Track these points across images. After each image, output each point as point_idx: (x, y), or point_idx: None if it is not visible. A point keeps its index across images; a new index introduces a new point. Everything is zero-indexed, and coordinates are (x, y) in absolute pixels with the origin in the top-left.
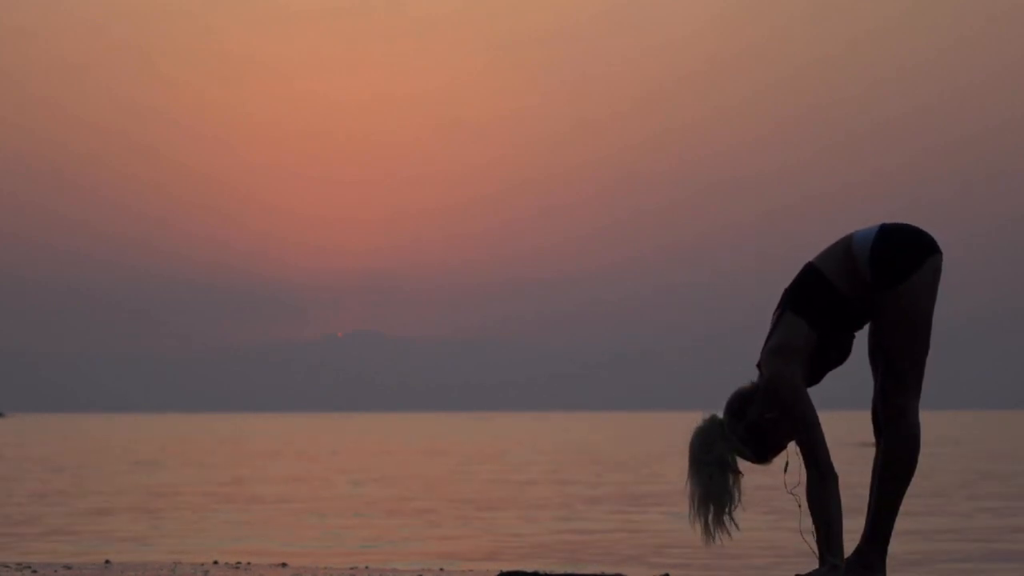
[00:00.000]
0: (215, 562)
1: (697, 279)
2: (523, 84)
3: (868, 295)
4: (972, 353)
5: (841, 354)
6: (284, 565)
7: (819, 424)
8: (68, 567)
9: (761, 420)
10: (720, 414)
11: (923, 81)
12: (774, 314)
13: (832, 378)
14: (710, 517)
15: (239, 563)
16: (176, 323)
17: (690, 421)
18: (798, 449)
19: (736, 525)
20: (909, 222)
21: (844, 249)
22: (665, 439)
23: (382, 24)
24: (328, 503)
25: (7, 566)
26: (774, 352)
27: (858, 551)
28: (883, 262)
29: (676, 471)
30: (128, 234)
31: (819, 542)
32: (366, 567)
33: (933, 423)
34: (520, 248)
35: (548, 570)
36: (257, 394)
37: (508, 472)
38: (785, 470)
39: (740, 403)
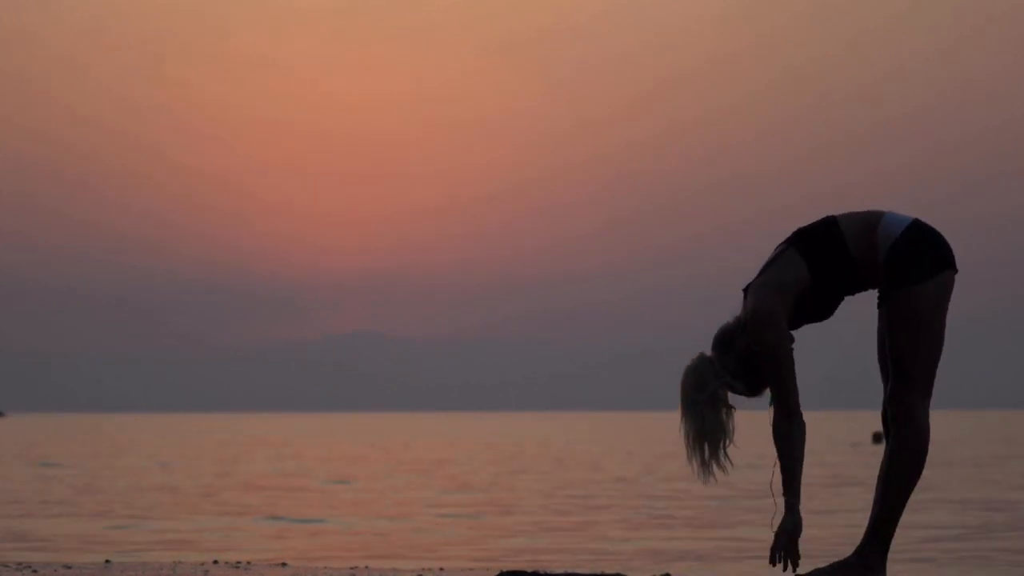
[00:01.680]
0: (215, 562)
1: (697, 279)
2: (523, 84)
3: (874, 275)
4: (972, 353)
5: (824, 311)
6: (284, 565)
7: (793, 365)
8: (68, 567)
9: (748, 352)
10: (707, 352)
11: (923, 81)
12: (777, 247)
13: (834, 379)
14: (706, 455)
15: (239, 563)
16: (176, 323)
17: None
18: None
19: (731, 462)
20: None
21: (870, 224)
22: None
23: (382, 24)
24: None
25: (7, 566)
26: (764, 285)
27: (859, 551)
28: (900, 259)
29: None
30: (129, 234)
31: (783, 482)
32: (366, 567)
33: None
34: (520, 248)
35: (548, 570)
36: (257, 394)
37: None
38: (771, 405)
39: (726, 337)
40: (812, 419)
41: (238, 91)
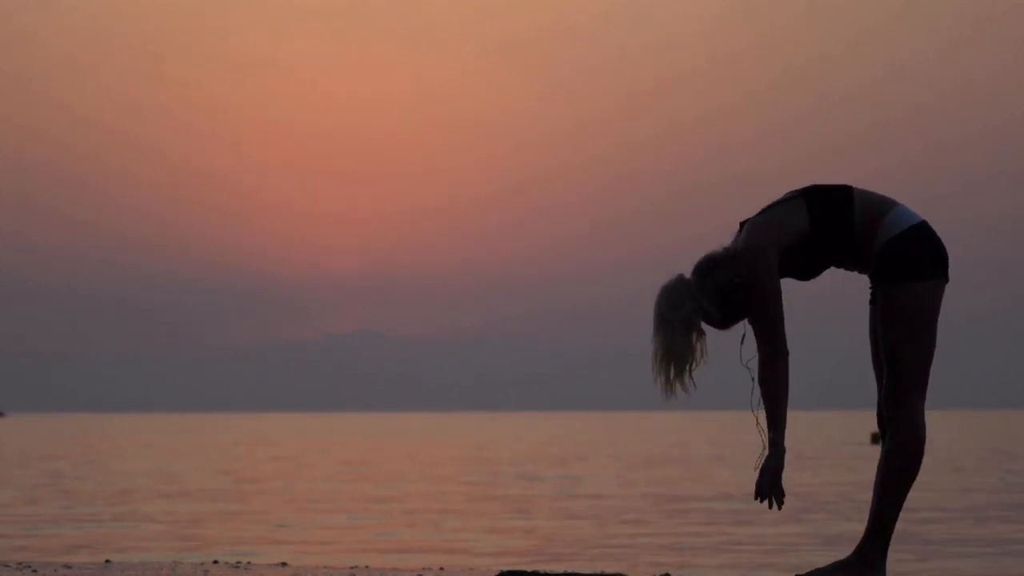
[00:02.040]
0: (215, 561)
1: None
2: (522, 84)
3: (865, 258)
4: (972, 353)
5: (809, 271)
6: (284, 565)
7: (782, 304)
8: (68, 567)
9: (728, 284)
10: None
11: (923, 81)
12: (787, 194)
13: (832, 379)
14: (671, 373)
15: (239, 563)
16: (177, 323)
17: (691, 421)
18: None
19: (694, 383)
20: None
21: (880, 210)
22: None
23: (382, 24)
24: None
25: (7, 565)
26: (765, 224)
27: (859, 550)
28: (902, 255)
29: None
30: (130, 234)
31: (768, 418)
32: (366, 567)
33: (928, 423)
34: (520, 247)
35: (548, 570)
36: (257, 394)
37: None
38: (742, 341)
39: (709, 265)
40: (810, 420)
41: (238, 91)
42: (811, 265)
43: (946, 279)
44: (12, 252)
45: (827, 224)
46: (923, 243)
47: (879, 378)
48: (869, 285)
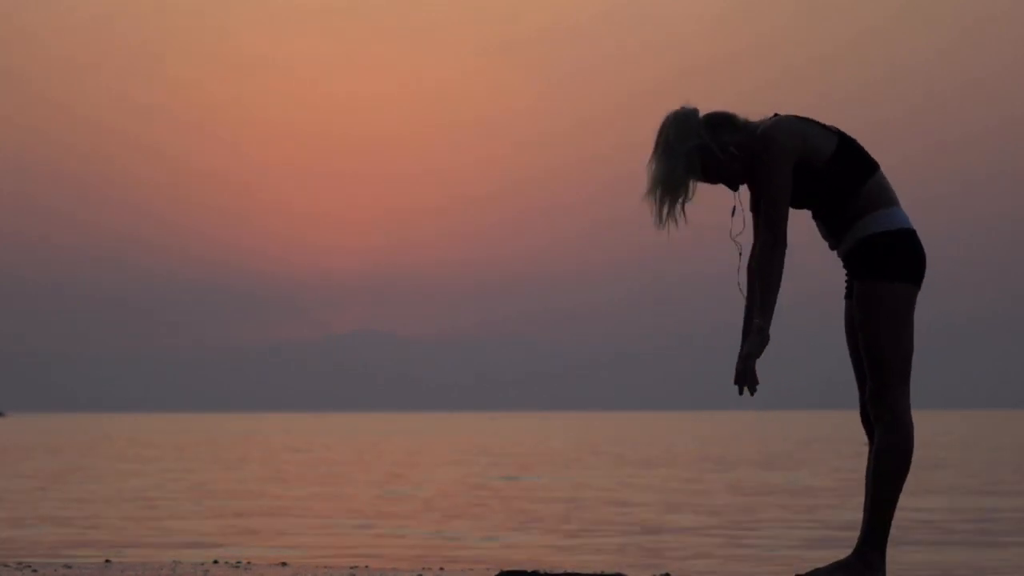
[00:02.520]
0: (215, 561)
1: (697, 278)
2: (522, 83)
3: (843, 232)
4: (972, 353)
5: (798, 196)
6: (284, 565)
7: (789, 195)
8: (68, 566)
9: (729, 149)
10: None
11: (923, 81)
12: (832, 125)
13: (832, 378)
14: (666, 203)
15: (239, 563)
16: (177, 323)
17: (691, 421)
18: (747, 210)
19: (685, 218)
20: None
21: (884, 199)
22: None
23: (382, 24)
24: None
25: (7, 565)
26: (793, 127)
27: (858, 551)
28: (887, 252)
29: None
30: (130, 234)
31: (757, 305)
32: (366, 567)
33: (928, 422)
34: (520, 247)
35: (548, 570)
36: (257, 394)
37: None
38: (732, 214)
39: (723, 121)
40: (809, 419)
41: (238, 91)
42: (802, 194)
43: (918, 287)
44: (12, 252)
45: (841, 170)
46: (913, 247)
47: (859, 374)
48: (845, 277)
